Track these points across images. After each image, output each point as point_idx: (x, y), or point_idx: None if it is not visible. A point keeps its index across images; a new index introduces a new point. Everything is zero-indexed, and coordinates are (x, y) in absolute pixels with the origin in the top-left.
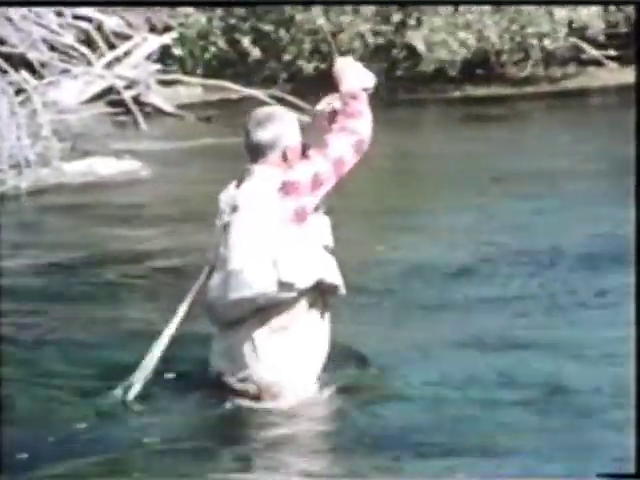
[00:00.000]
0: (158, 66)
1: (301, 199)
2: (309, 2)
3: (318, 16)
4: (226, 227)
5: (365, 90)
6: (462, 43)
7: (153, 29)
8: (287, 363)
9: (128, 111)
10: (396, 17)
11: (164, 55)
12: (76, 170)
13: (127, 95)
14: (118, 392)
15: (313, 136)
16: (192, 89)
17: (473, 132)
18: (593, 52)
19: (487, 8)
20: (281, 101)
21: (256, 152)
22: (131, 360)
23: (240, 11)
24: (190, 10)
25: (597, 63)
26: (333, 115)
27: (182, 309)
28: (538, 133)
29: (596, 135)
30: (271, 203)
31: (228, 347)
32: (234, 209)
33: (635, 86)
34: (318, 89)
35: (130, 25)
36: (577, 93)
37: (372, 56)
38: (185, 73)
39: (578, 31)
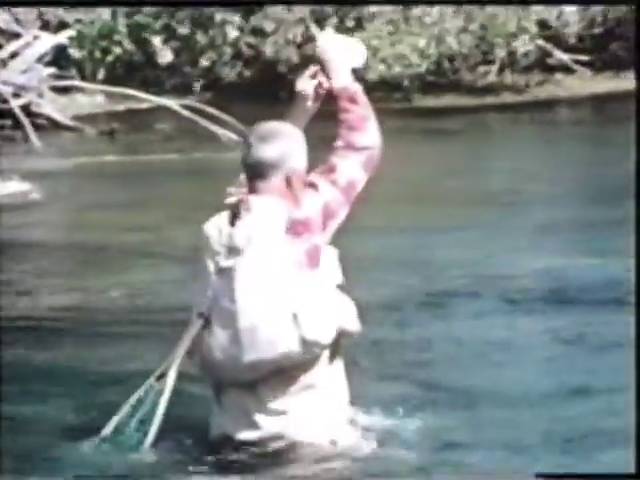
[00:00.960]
0: (52, 70)
1: (313, 238)
2: (300, 2)
3: (239, 19)
4: (222, 272)
5: (357, 72)
6: (421, 54)
7: (46, 26)
8: (320, 419)
9: (17, 123)
10: (333, 20)
11: (59, 57)
12: None
13: (15, 104)
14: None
15: (297, 121)
16: (92, 97)
17: (421, 149)
18: (562, 56)
19: (445, 9)
20: (197, 112)
21: (256, 172)
22: None
23: (149, 7)
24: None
25: (566, 69)
26: (318, 93)
27: (173, 370)
28: (498, 151)
29: (565, 153)
30: (280, 246)
31: (242, 409)
32: (233, 252)
33: (636, 91)
34: (240, 99)
35: (18, 21)
36: (544, 104)
37: (305, 62)
38: (84, 79)
39: (547, 31)
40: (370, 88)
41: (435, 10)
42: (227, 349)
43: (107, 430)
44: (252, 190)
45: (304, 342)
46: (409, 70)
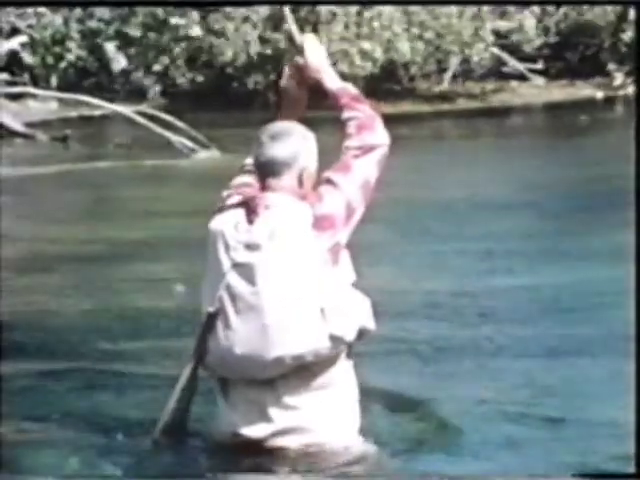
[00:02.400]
0: (4, 76)
1: (336, 234)
2: (299, 2)
3: (195, 22)
4: (240, 268)
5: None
6: (365, 55)
7: None
8: (339, 417)
9: None
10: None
11: (11, 63)
12: None
13: None
14: None
15: (290, 118)
16: (45, 104)
17: None
18: (517, 65)
19: (397, 14)
20: (152, 119)
21: (269, 170)
22: None
23: (103, 12)
24: (43, 10)
25: (521, 77)
26: (301, 82)
27: (187, 368)
28: (451, 157)
29: (519, 160)
30: (306, 241)
31: (257, 405)
32: (252, 247)
33: (635, 95)
34: (196, 105)
35: None
36: (498, 111)
37: (258, 66)
38: (36, 85)
39: (502, 38)
40: (323, 94)
41: (386, 14)
42: (250, 344)
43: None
44: (264, 189)
45: (332, 338)
46: (352, 70)
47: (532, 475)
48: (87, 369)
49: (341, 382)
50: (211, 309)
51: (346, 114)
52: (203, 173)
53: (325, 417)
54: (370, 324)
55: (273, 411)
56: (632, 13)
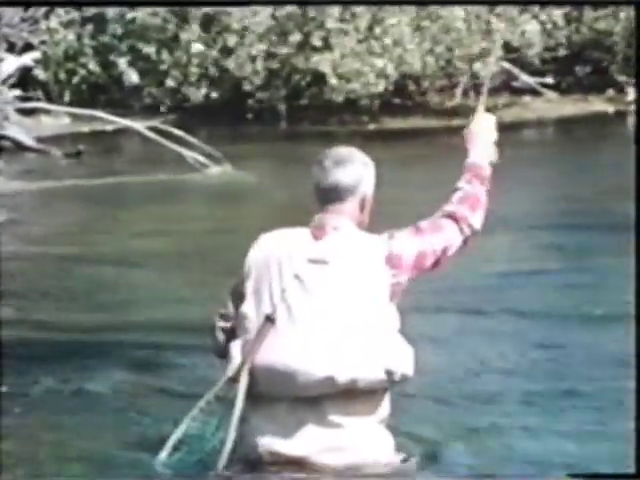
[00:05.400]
0: (17, 92)
1: (400, 275)
2: (306, 2)
3: (194, 37)
4: (301, 281)
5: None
6: (379, 73)
7: (11, 48)
8: (378, 436)
9: None
10: (295, 37)
11: (24, 79)
12: None
13: None
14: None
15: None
16: (58, 119)
17: (389, 172)
18: (527, 79)
19: (407, 29)
20: (164, 134)
21: (333, 195)
22: None
23: (115, 28)
24: (55, 25)
25: (533, 92)
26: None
27: (244, 375)
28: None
29: (532, 174)
30: (375, 270)
31: (299, 423)
32: (318, 262)
33: (636, 99)
34: (208, 120)
35: None
36: (512, 126)
37: (267, 81)
38: (50, 100)
39: (512, 54)
40: (337, 109)
41: (396, 31)
42: (301, 359)
43: (168, 447)
44: (327, 213)
45: (387, 372)
46: (367, 88)
47: (532, 475)
48: None
49: (383, 410)
50: (268, 311)
51: (460, 184)
52: (215, 188)
53: (366, 436)
54: (411, 371)
55: (316, 429)
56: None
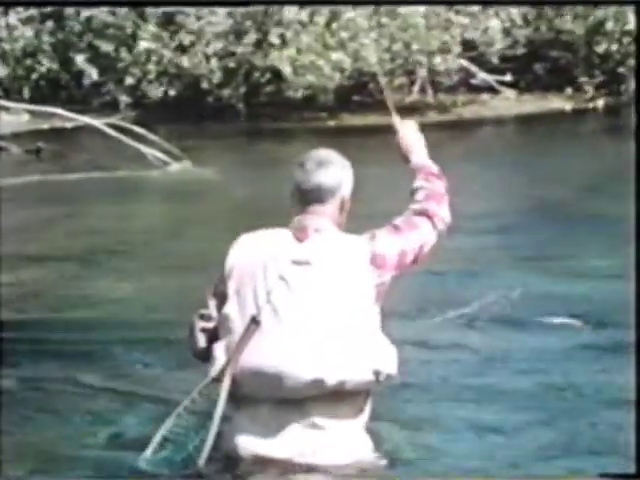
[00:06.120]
0: None
1: (384, 275)
2: (307, 2)
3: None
4: (284, 283)
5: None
6: (335, 66)
7: None
8: (359, 436)
9: None
10: (252, 36)
11: None
12: None
13: None
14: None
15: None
16: (17, 116)
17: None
18: (485, 77)
19: (364, 24)
20: (124, 131)
21: (314, 196)
22: None
23: (74, 25)
24: (14, 22)
25: (492, 90)
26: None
27: (228, 376)
28: None
29: (490, 172)
30: (359, 271)
31: (283, 425)
32: (301, 263)
33: (635, 99)
34: (167, 117)
35: None
36: (470, 124)
37: (226, 79)
38: (8, 97)
39: (470, 50)
40: (296, 107)
41: (353, 25)
42: (285, 361)
43: (153, 444)
44: (307, 214)
45: (374, 372)
46: (322, 81)
47: (531, 475)
48: None
49: (365, 410)
50: (254, 313)
51: (419, 183)
52: (175, 185)
53: (347, 436)
54: (395, 370)
55: (299, 431)
56: (611, 25)
